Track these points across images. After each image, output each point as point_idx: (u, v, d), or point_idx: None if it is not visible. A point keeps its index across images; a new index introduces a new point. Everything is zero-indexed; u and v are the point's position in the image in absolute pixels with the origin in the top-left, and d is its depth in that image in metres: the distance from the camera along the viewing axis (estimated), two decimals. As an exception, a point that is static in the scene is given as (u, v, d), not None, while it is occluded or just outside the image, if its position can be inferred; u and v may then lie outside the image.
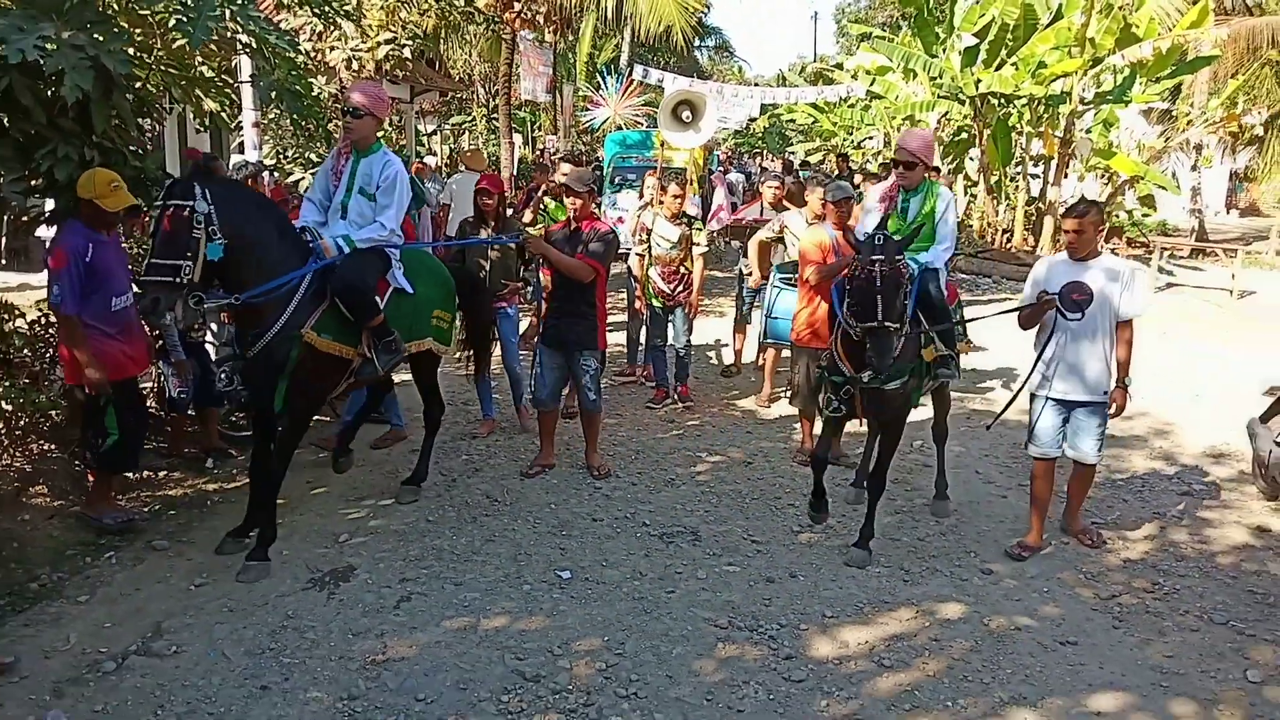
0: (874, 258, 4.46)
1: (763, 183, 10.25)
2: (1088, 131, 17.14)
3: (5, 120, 4.77)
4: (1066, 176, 18.56)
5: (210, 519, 5.27)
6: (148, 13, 4.98)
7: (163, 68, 5.42)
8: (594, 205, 6.06)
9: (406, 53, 9.91)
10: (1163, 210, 20.83)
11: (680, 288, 7.46)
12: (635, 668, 3.91)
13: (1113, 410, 5.02)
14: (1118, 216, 18.73)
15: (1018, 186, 18.24)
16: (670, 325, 7.59)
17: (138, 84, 5.15)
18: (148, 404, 5.73)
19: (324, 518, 5.33)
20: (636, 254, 7.61)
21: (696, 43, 44.26)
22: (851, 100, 23.79)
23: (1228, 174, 27.86)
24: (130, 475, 5.66)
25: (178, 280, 4.02)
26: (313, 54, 9.19)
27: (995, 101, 16.62)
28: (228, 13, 4.81)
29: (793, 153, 31.91)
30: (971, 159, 19.03)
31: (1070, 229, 5.07)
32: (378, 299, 4.85)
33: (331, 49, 9.33)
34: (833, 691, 3.79)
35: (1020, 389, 5.25)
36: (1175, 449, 7.12)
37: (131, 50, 4.91)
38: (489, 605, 4.37)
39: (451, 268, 5.86)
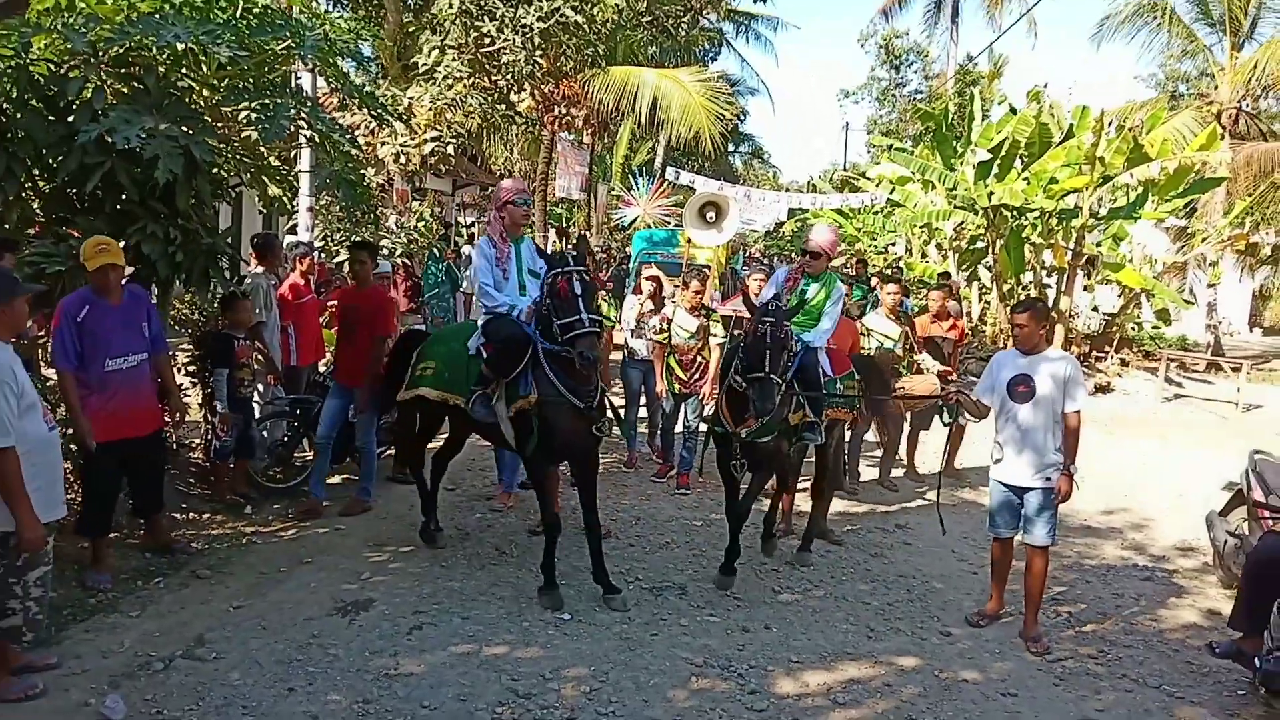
0: (765, 319, 5.20)
1: (748, 276, 10.94)
2: (1098, 245, 17.79)
3: (102, 197, 5.57)
4: (1088, 288, 19.25)
5: (248, 555, 5.87)
6: (230, 109, 5.80)
7: (237, 156, 6.24)
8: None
9: (450, 150, 10.83)
10: (1185, 325, 21.33)
11: (697, 375, 8.01)
12: (615, 692, 4.41)
13: (1058, 496, 5.31)
14: (1131, 329, 19.23)
15: (1028, 294, 18.81)
16: (683, 409, 8.11)
17: (215, 170, 5.94)
18: (161, 461, 5.90)
19: (349, 559, 5.90)
20: (657, 343, 8.11)
21: (731, 148, 46.05)
22: (875, 207, 24.74)
23: (1250, 292, 28.28)
24: (177, 515, 6.31)
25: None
26: (365, 148, 10.11)
27: (1008, 213, 17.34)
28: (301, 114, 5.62)
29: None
30: (986, 267, 19.68)
31: (1018, 323, 5.54)
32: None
33: (382, 144, 10.25)
34: (787, 718, 4.27)
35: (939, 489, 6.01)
36: (1148, 541, 7.54)
37: (213, 141, 5.71)
38: (491, 636, 4.90)
39: None
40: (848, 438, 7.69)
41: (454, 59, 10.03)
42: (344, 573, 5.66)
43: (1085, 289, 18.71)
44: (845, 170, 38.95)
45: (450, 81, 10.04)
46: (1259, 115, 24.62)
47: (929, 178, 18.48)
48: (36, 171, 5.67)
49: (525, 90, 11.88)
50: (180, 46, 5.36)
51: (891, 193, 20.10)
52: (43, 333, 5.93)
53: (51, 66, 5.55)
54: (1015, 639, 5.36)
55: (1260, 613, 4.48)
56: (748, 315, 8.03)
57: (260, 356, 7.12)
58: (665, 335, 8.03)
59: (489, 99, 10.99)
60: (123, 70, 5.60)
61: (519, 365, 5.21)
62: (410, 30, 11.30)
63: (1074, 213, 17.37)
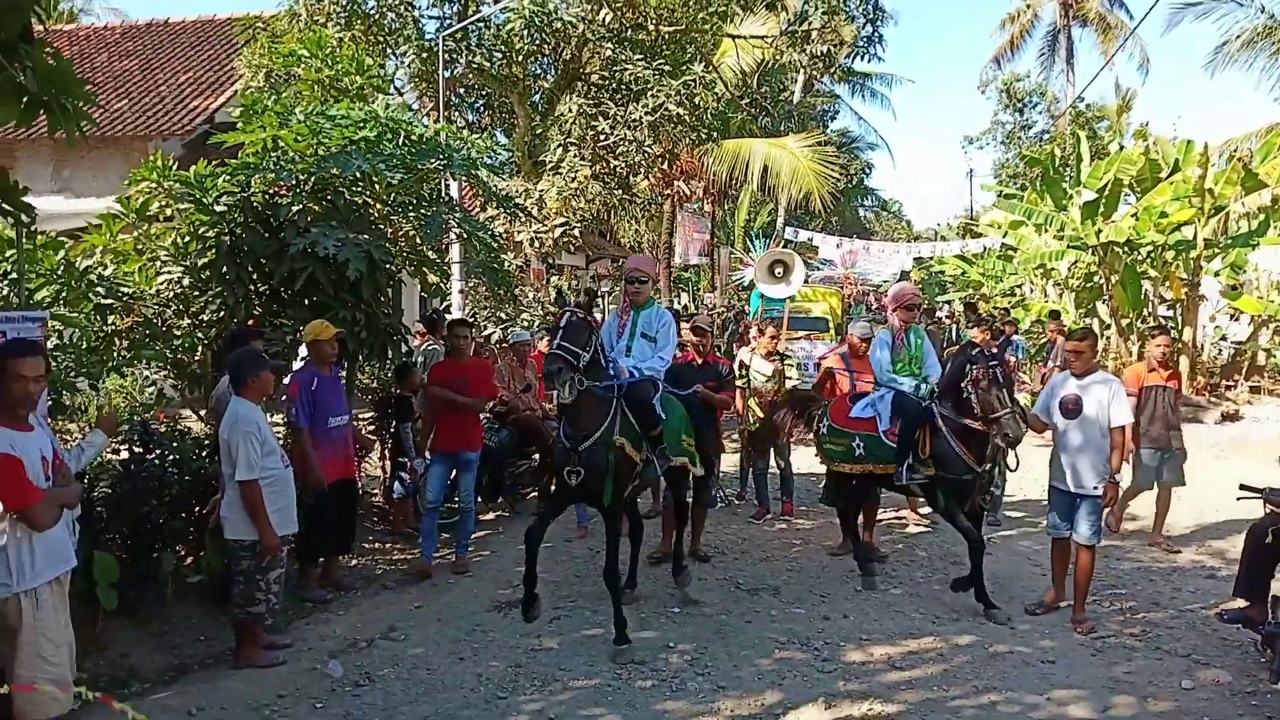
0: (993, 362, 6.09)
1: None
2: (1216, 274, 17.88)
3: (304, 292, 7.17)
4: (1213, 320, 19.24)
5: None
6: (400, 220, 7.38)
7: (404, 253, 7.82)
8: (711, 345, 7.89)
9: (576, 233, 12.36)
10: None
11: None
12: (712, 661, 5.52)
13: (1104, 501, 6.12)
14: (1264, 356, 19.04)
15: (1148, 326, 18.93)
16: (772, 450, 8.92)
17: (389, 265, 7.50)
18: (354, 502, 7.20)
19: (501, 573, 7.23)
20: (738, 386, 8.90)
21: (856, 202, 46.85)
22: (996, 251, 25.16)
23: None
24: (365, 545, 7.79)
25: (576, 363, 5.34)
26: (504, 236, 11.73)
27: (1119, 250, 17.68)
28: (452, 220, 7.14)
29: (948, 300, 33.08)
30: (1104, 303, 19.89)
31: (1070, 349, 6.43)
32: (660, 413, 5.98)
33: (519, 232, 11.85)
34: (851, 679, 5.28)
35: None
36: (1225, 548, 8.05)
37: (388, 244, 7.28)
38: (609, 627, 6.08)
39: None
40: None
41: (575, 154, 11.61)
42: (497, 582, 6.98)
43: (1211, 319, 18.72)
44: (970, 217, 39.10)
45: (573, 174, 11.60)
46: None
47: (1036, 220, 18.98)
48: (255, 276, 7.34)
49: (641, 174, 13.36)
50: (360, 173, 6.96)
51: (1005, 236, 20.64)
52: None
53: (265, 195, 7.24)
54: (1066, 624, 6.16)
55: (1259, 579, 5.22)
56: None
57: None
58: (745, 379, 8.88)
59: (609, 185, 12.50)
60: (318, 193, 7.24)
61: None
62: (538, 131, 13.01)
63: (1189, 244, 17.57)
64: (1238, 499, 5.56)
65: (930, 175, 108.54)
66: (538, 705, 4.95)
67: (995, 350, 6.43)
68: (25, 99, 4.23)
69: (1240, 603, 5.45)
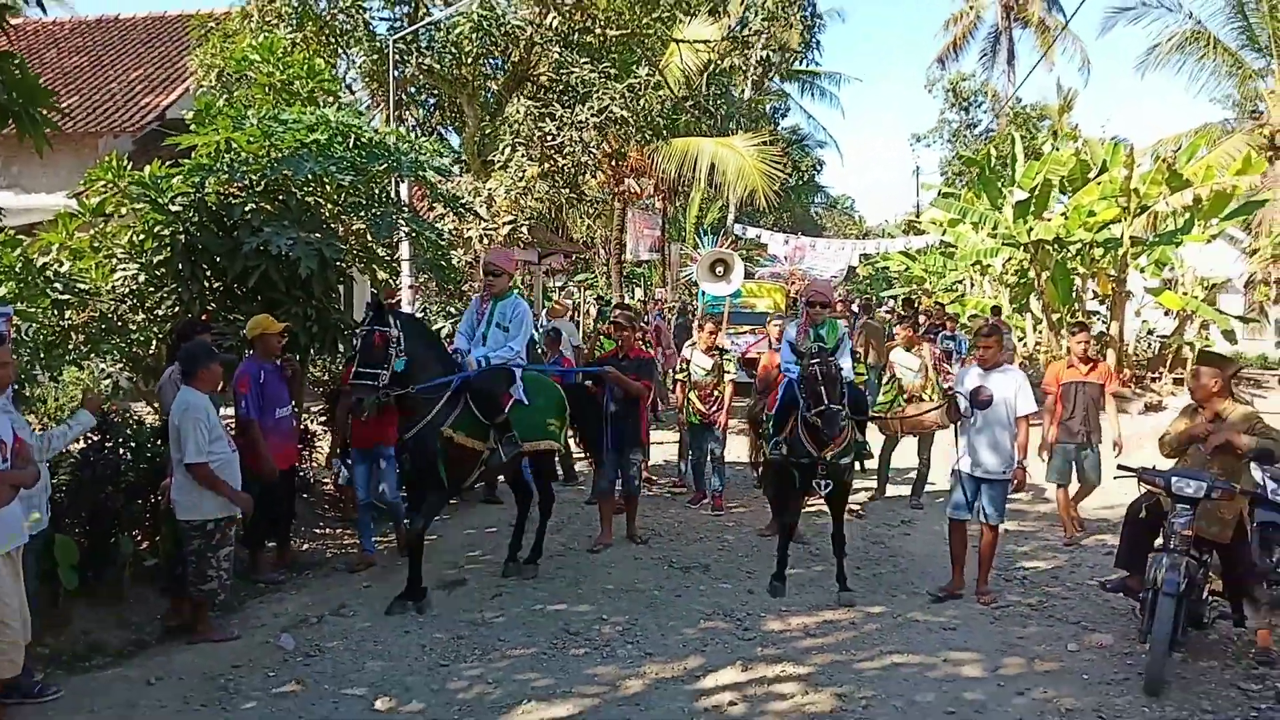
0: (813, 360, 6.30)
1: (769, 321, 12.11)
2: (1142, 271, 18.69)
3: (257, 289, 7.48)
4: (1139, 314, 20.09)
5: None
6: (350, 219, 7.71)
7: (354, 251, 8.15)
8: (636, 339, 8.33)
9: (525, 230, 12.73)
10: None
11: (715, 408, 9.25)
12: (642, 630, 5.96)
13: (1014, 485, 6.69)
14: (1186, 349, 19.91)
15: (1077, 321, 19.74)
16: (708, 439, 9.25)
17: (339, 263, 7.82)
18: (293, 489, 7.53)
19: (449, 554, 7.61)
20: (678, 380, 9.48)
21: (810, 199, 47.61)
22: (940, 248, 25.94)
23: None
24: (317, 530, 8.11)
25: (375, 384, 5.80)
26: (453, 232, 12.06)
27: (1050, 247, 18.42)
28: (401, 220, 7.48)
29: (892, 296, 33.89)
30: (1036, 298, 20.66)
31: (984, 345, 6.93)
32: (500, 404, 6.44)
33: (469, 228, 12.19)
34: (769, 645, 5.75)
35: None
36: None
37: (338, 243, 7.60)
38: (554, 599, 6.50)
39: (565, 387, 7.63)
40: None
41: (523, 154, 11.97)
42: (444, 564, 7.35)
43: (1136, 313, 19.57)
44: (916, 214, 39.99)
45: (521, 173, 11.97)
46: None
47: (972, 219, 19.68)
48: (209, 273, 7.63)
49: (588, 173, 13.76)
50: (311, 175, 7.28)
51: (944, 234, 21.35)
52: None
53: (219, 195, 7.52)
54: (972, 596, 6.68)
55: (1137, 551, 5.76)
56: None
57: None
58: (685, 373, 9.30)
59: (557, 184, 12.89)
60: (270, 193, 7.55)
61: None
62: (487, 131, 13.35)
63: (1116, 242, 18.36)
64: (1114, 477, 6.10)
65: (880, 172, 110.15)
66: (477, 671, 5.35)
67: (826, 348, 6.51)
68: (-6, 109, 4.54)
69: (1122, 573, 5.99)
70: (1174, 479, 5.39)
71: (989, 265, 20.97)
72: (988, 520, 6.66)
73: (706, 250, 20.54)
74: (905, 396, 9.29)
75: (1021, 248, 18.84)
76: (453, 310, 11.66)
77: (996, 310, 19.06)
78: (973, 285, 26.02)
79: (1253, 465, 5.46)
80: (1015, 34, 40.25)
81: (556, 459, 7.67)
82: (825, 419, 6.24)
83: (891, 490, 9.77)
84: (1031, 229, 18.08)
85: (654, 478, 10.30)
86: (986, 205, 19.87)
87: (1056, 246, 18.44)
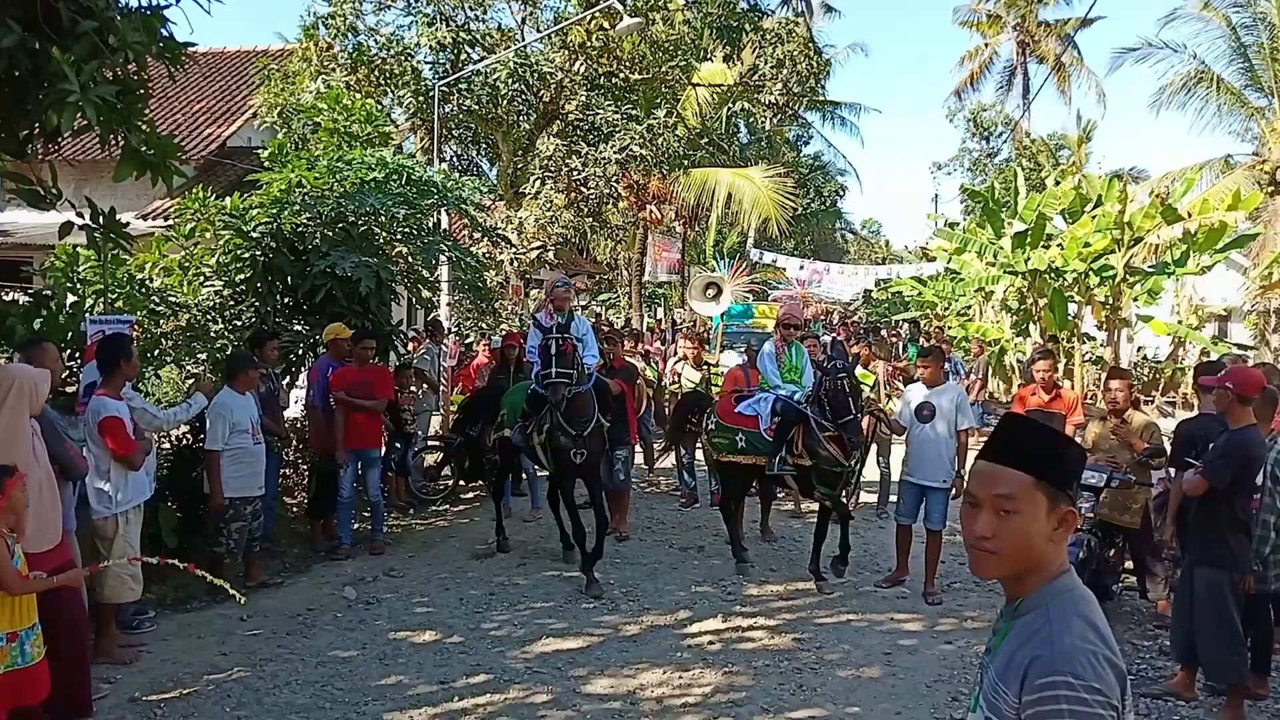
0: (839, 375, 7.17)
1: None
2: (1135, 300, 19.71)
3: (322, 304, 8.77)
4: (1131, 340, 21.05)
5: (413, 534, 8.87)
6: (401, 246, 9.02)
7: (403, 274, 9.44)
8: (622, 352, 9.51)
9: (551, 254, 14.03)
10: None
11: None
12: (642, 592, 7.15)
13: (954, 494, 7.37)
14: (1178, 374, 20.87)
15: (1074, 349, 20.77)
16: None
17: (392, 283, 9.11)
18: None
19: (479, 534, 8.83)
20: (672, 390, 10.59)
21: (832, 224, 48.76)
22: (950, 275, 27.02)
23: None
24: (365, 514, 9.36)
25: (570, 381, 6.89)
26: (486, 255, 13.36)
27: (1048, 276, 19.48)
28: (444, 247, 8.77)
29: (905, 320, 34.96)
30: (1035, 324, 21.69)
31: (924, 365, 7.84)
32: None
33: (500, 253, 13.50)
34: (747, 605, 6.92)
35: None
36: (1081, 526, 9.77)
37: (392, 267, 8.90)
38: (569, 569, 7.68)
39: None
40: None
41: (552, 186, 13.27)
42: (474, 540, 8.58)
43: (1129, 339, 20.57)
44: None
45: (549, 203, 13.27)
46: (1313, 171, 25.88)
47: (975, 248, 20.79)
48: (281, 290, 8.93)
49: (609, 204, 15.06)
50: (371, 209, 8.59)
51: (949, 262, 22.47)
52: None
53: (293, 225, 8.84)
54: (912, 586, 7.64)
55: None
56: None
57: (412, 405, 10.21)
58: (677, 385, 10.46)
59: (581, 213, 14.19)
60: (334, 223, 8.86)
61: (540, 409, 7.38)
62: (519, 165, 14.71)
63: (1111, 272, 19.39)
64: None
65: (904, 199, 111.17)
66: (505, 617, 6.57)
67: (844, 365, 7.37)
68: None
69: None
70: (1082, 471, 6.52)
71: (991, 292, 22.01)
72: (932, 526, 7.39)
73: (724, 273, 21.93)
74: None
75: (1020, 275, 19.90)
76: (484, 326, 12.91)
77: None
78: (980, 312, 27.06)
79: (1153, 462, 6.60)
80: (1031, 69, 41.30)
81: None
82: (850, 428, 7.04)
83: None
84: (1029, 258, 19.16)
85: (659, 479, 11.45)
86: (990, 235, 20.97)
87: (1053, 275, 19.50)
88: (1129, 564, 7.15)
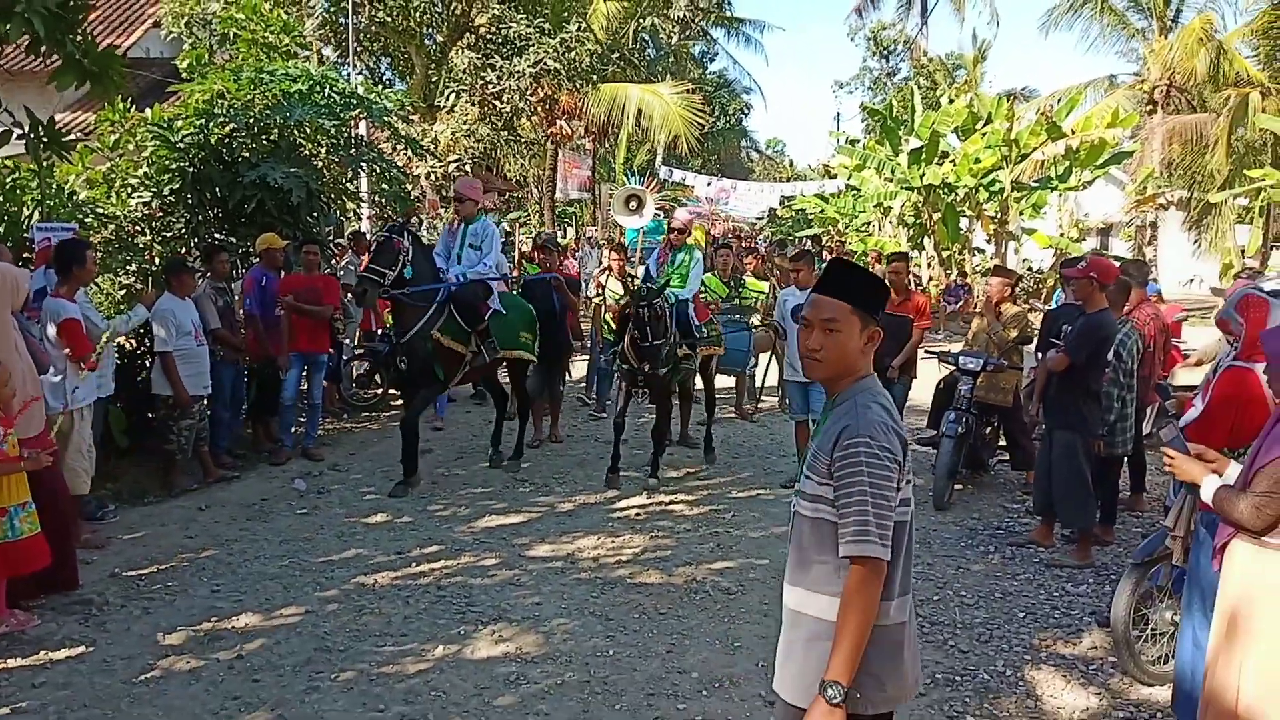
0: (641, 303, 7.59)
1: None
2: (1021, 214, 20.94)
3: (253, 215, 8.98)
4: (1018, 252, 22.38)
5: (350, 435, 9.33)
6: (333, 158, 9.26)
7: (330, 184, 9.70)
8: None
9: (467, 168, 14.26)
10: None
11: None
12: (573, 478, 7.80)
13: None
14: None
15: (964, 259, 22.01)
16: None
17: (320, 194, 9.36)
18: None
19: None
20: (595, 302, 11.02)
21: (737, 143, 49.31)
22: (851, 191, 27.97)
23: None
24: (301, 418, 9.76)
25: (382, 281, 6.94)
26: (405, 167, 13.55)
27: (940, 191, 20.51)
28: (370, 158, 9.06)
29: (808, 235, 36.03)
30: (929, 237, 22.87)
31: (797, 268, 8.50)
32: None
33: (417, 166, 13.70)
34: (668, 487, 7.64)
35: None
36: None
37: (319, 178, 9.15)
38: (502, 462, 8.28)
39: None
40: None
41: (466, 100, 13.46)
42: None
43: (1015, 251, 21.89)
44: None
45: (464, 117, 13.48)
46: (1186, 90, 27.47)
47: (874, 165, 21.68)
48: (211, 201, 9.11)
49: (523, 117, 15.30)
50: (299, 120, 8.80)
51: (849, 178, 23.35)
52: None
53: (219, 135, 8.98)
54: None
55: (938, 414, 7.74)
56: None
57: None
58: (600, 297, 10.80)
59: (495, 126, 14.42)
60: (263, 135, 9.05)
61: None
62: (433, 79, 14.80)
63: (999, 187, 20.53)
64: (921, 358, 8.08)
65: (807, 117, 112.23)
66: (449, 500, 7.18)
67: (655, 289, 7.44)
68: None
69: (930, 432, 8.00)
70: (961, 358, 7.38)
71: (889, 207, 23.01)
72: (817, 417, 8.32)
73: (629, 186, 22.36)
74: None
75: (915, 191, 20.90)
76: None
77: (903, 256, 21.10)
78: (878, 226, 28.17)
79: (1024, 349, 7.49)
80: (929, -14, 42.06)
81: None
82: (641, 351, 7.41)
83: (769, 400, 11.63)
84: (924, 174, 20.14)
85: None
86: (888, 152, 21.86)
87: (946, 190, 20.55)
88: (1003, 441, 8.10)
